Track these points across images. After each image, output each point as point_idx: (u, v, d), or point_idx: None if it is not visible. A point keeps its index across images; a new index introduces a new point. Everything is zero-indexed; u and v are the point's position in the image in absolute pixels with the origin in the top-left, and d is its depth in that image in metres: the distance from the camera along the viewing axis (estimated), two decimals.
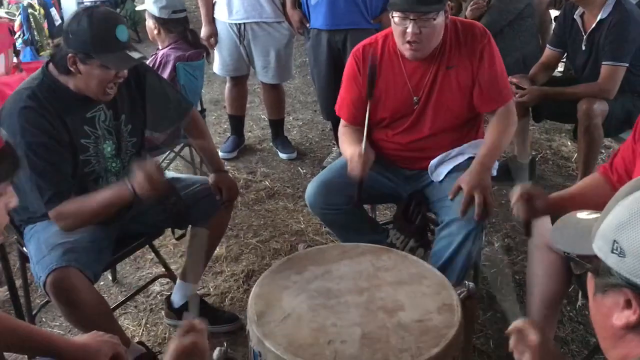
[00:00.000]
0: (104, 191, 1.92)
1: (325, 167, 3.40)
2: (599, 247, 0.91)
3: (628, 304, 0.88)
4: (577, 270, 1.01)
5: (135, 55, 1.87)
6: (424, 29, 2.00)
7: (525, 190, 1.73)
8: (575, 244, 0.99)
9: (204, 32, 3.55)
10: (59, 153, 1.86)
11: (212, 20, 3.58)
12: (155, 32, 3.02)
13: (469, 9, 3.35)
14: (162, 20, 3.00)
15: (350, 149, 2.10)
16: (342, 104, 2.30)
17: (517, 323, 1.30)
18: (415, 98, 2.16)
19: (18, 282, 2.21)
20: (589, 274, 0.98)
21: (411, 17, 1.98)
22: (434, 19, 1.99)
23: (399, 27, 2.03)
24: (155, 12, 2.97)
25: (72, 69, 1.83)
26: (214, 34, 3.58)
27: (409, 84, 2.15)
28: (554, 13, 3.95)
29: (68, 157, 1.90)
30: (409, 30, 2.00)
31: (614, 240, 0.88)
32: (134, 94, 2.07)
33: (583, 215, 1.04)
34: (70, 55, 1.81)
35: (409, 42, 2.02)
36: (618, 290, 0.88)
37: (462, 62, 2.11)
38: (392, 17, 2.04)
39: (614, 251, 0.88)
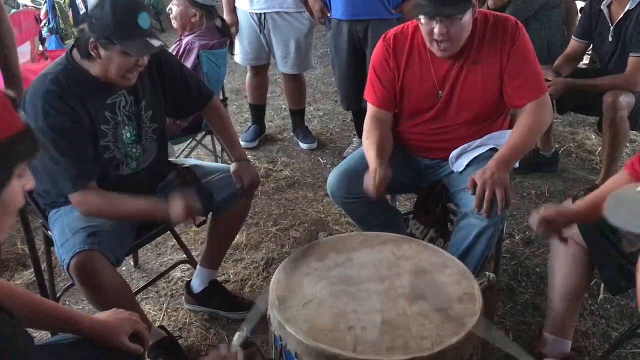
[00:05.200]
0: (138, 201, 1.94)
1: (346, 157, 3.40)
2: None
3: None
4: (628, 249, 0.97)
5: (156, 43, 1.88)
6: (452, 28, 1.97)
7: (543, 215, 1.73)
8: (632, 222, 0.95)
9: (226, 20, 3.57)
10: (81, 136, 1.89)
11: (233, 10, 3.59)
12: (195, 19, 3.02)
13: None
14: (206, 7, 3.02)
15: (370, 155, 2.07)
16: (371, 87, 2.26)
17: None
18: (440, 92, 2.14)
19: (43, 266, 2.25)
20: None
21: (437, 19, 1.96)
22: (461, 18, 1.97)
23: (426, 27, 2.01)
24: None
25: (93, 53, 1.85)
26: (234, 23, 3.59)
27: (435, 78, 2.14)
28: (579, 4, 3.88)
29: (89, 142, 1.92)
30: (436, 30, 1.97)
31: None
32: (155, 80, 2.09)
33: None
34: (92, 40, 1.83)
35: (436, 40, 2.01)
36: None
37: (490, 57, 2.08)
38: (419, 17, 2.02)
39: None
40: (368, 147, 2.13)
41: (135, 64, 1.88)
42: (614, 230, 1.76)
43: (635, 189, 1.00)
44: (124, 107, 2.01)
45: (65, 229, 1.93)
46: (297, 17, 3.51)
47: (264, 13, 3.49)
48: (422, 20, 2.01)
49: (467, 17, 1.99)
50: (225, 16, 3.56)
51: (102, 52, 1.84)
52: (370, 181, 1.96)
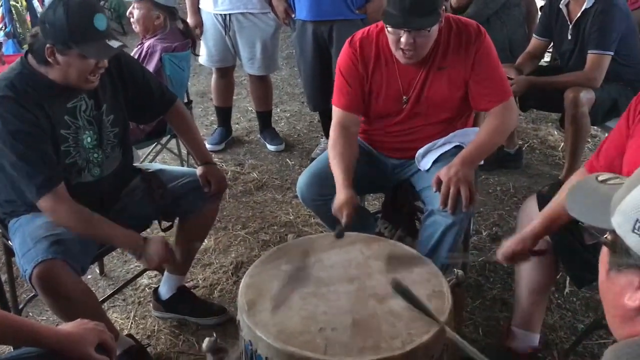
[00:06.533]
0: (116, 230, 1.91)
1: (314, 158, 3.40)
2: (619, 224, 0.86)
3: None
4: (588, 241, 0.95)
5: (115, 44, 1.84)
6: (419, 39, 1.96)
7: (505, 250, 1.80)
8: (592, 215, 0.93)
9: (188, 22, 3.52)
10: (42, 140, 1.84)
11: (197, 11, 3.55)
12: (158, 21, 2.96)
13: None
14: (169, 8, 2.98)
15: (336, 175, 2.01)
16: (339, 92, 2.20)
17: None
18: (404, 97, 2.15)
19: (3, 277, 2.18)
20: (603, 249, 0.93)
21: (405, 30, 1.96)
22: (429, 30, 1.96)
23: (393, 35, 1.99)
24: (162, 0, 2.95)
25: (50, 59, 1.80)
26: (198, 24, 3.55)
27: (400, 83, 2.14)
28: (539, 2, 3.96)
29: (51, 146, 1.87)
30: (403, 40, 1.96)
31: (637, 220, 0.83)
32: (117, 84, 2.05)
33: (603, 177, 0.97)
34: (48, 46, 1.78)
35: (402, 49, 2.00)
36: (635, 270, 0.84)
37: (455, 64, 2.09)
38: (386, 26, 2.01)
39: (636, 231, 0.82)
40: (334, 163, 2.07)
41: (96, 66, 1.84)
42: (576, 221, 1.79)
43: (596, 177, 0.99)
44: (84, 111, 1.96)
45: (26, 238, 1.87)
46: (263, 17, 3.49)
47: (229, 14, 3.46)
48: (389, 29, 1.99)
49: (435, 28, 1.99)
50: (189, 18, 3.52)
51: (59, 57, 1.79)
52: (339, 210, 1.91)
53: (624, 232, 0.85)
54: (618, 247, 0.87)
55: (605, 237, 0.91)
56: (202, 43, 3.62)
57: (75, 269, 1.83)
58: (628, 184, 0.88)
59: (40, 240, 1.84)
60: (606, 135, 3.66)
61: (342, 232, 1.77)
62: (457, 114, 2.21)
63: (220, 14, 3.48)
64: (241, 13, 3.46)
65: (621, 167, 1.64)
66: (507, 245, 1.81)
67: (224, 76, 3.80)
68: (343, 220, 1.89)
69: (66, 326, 1.43)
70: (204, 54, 3.67)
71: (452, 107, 2.17)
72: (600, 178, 0.98)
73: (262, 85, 3.81)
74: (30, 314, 2.42)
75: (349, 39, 2.21)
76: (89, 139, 1.98)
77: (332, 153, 2.10)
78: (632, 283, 0.85)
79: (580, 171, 1.82)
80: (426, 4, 1.91)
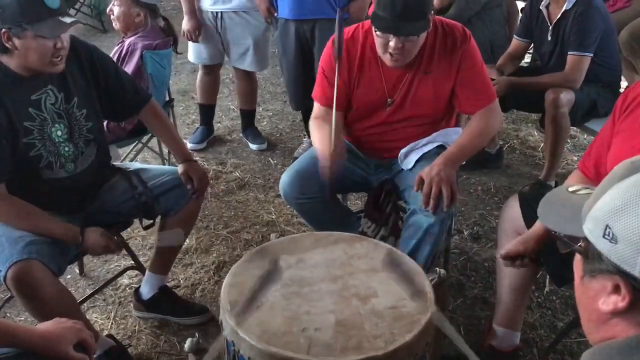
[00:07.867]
0: (52, 223, 1.89)
1: (297, 157, 3.39)
2: (590, 230, 0.87)
3: (616, 289, 0.85)
4: (562, 249, 0.96)
5: (68, 20, 1.82)
6: (407, 44, 1.96)
7: (509, 254, 1.77)
8: (564, 223, 0.94)
9: (186, 25, 3.46)
10: None
11: (194, 12, 3.46)
12: (139, 18, 2.93)
13: None
14: (150, 6, 2.95)
15: (321, 144, 2.05)
16: (319, 88, 2.23)
17: None
18: (389, 100, 2.15)
19: None
20: (577, 256, 0.94)
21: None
22: (418, 36, 1.97)
23: (381, 39, 1.99)
24: None
25: (8, 45, 1.78)
26: (196, 27, 3.46)
27: (385, 85, 2.14)
28: (520, 4, 4.00)
29: (4, 139, 1.83)
30: (392, 44, 1.96)
31: (607, 225, 0.84)
32: (89, 79, 2.03)
33: (573, 189, 0.98)
34: (3, 30, 1.76)
35: (390, 53, 1.99)
36: (607, 275, 0.85)
37: (441, 68, 2.09)
38: (374, 30, 2.00)
39: (606, 236, 0.84)
40: (316, 137, 2.09)
41: (55, 47, 1.82)
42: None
43: (567, 188, 1.00)
44: (52, 104, 1.93)
45: (1, 239, 1.84)
46: (254, 14, 3.46)
47: (220, 12, 3.44)
48: (378, 33, 1.99)
49: (423, 33, 1.99)
50: (188, 19, 3.44)
51: (17, 42, 1.78)
52: (324, 164, 1.90)
53: (595, 238, 0.86)
54: (590, 253, 0.88)
55: (579, 245, 0.92)
56: (188, 41, 3.58)
57: (51, 269, 1.80)
58: (597, 191, 0.90)
59: (15, 241, 1.81)
60: (585, 135, 3.73)
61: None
62: (442, 116, 2.22)
63: (212, 12, 3.45)
64: (234, 11, 3.43)
65: (606, 165, 1.65)
66: (510, 246, 1.79)
67: (210, 73, 3.77)
68: (327, 173, 1.88)
69: (43, 325, 1.41)
70: (192, 51, 3.64)
71: (436, 110, 2.18)
72: (570, 189, 0.99)
73: (248, 83, 3.79)
74: (8, 314, 2.38)
75: (333, 37, 2.19)
76: (59, 132, 1.95)
77: (314, 138, 2.14)
78: (605, 288, 0.86)
79: (575, 174, 1.83)
80: (417, 9, 1.91)
